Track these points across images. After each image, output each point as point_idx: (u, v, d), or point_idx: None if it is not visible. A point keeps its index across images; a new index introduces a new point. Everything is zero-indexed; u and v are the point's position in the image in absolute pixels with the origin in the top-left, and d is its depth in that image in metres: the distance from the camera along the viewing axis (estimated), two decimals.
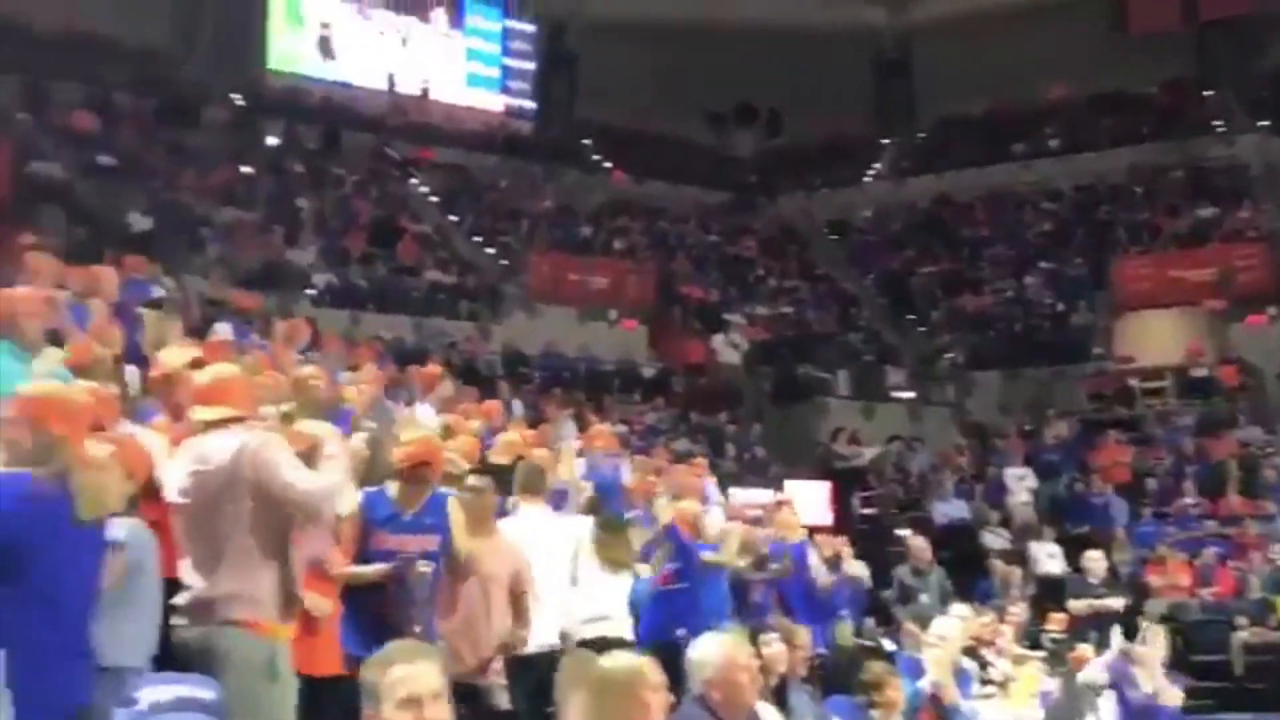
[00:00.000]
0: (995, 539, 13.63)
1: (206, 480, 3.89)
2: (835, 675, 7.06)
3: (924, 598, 9.88)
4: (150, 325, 7.35)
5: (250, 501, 3.86)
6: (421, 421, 7.59)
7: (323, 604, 4.55)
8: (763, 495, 11.19)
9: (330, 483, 3.99)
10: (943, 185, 22.62)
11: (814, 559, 8.50)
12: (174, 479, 3.94)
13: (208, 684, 2.07)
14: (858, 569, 9.38)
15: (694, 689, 3.78)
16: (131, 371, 5.96)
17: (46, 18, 18.28)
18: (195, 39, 20.75)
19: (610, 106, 23.15)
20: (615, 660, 3.39)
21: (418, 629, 4.44)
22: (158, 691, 1.98)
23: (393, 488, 4.87)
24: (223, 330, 10.15)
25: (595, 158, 23.42)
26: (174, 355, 4.82)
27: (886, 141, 24.71)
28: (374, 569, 4.68)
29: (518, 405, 12.53)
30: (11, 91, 17.11)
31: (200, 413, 4.05)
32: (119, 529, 3.69)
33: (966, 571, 11.77)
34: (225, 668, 3.58)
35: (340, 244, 17.66)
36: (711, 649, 3.81)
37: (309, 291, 16.11)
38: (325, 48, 21.96)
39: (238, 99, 20.23)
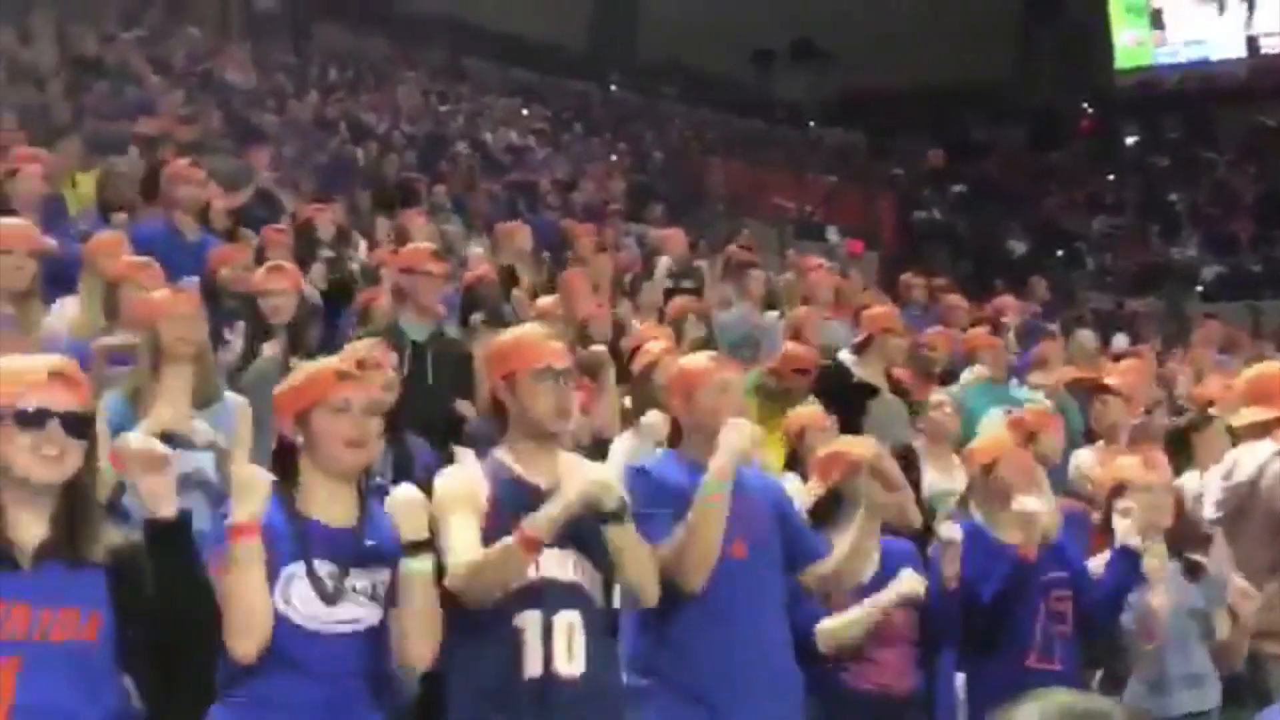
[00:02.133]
0: None
1: (1231, 495, 3.79)
2: None
3: None
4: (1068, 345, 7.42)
5: (1264, 521, 3.68)
6: None
7: None
8: None
9: None
10: None
11: None
12: (1208, 493, 3.88)
13: None
14: None
15: None
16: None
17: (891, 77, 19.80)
18: (1035, 64, 21.09)
19: None
20: None
21: None
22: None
23: None
24: (1120, 341, 9.94)
25: None
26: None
27: None
28: None
29: None
30: (864, 148, 18.98)
31: (1244, 414, 3.95)
32: None
33: None
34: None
35: (1225, 231, 16.49)
36: None
37: (1197, 288, 15.27)
38: (1158, 26, 20.82)
39: (1088, 108, 20.10)
